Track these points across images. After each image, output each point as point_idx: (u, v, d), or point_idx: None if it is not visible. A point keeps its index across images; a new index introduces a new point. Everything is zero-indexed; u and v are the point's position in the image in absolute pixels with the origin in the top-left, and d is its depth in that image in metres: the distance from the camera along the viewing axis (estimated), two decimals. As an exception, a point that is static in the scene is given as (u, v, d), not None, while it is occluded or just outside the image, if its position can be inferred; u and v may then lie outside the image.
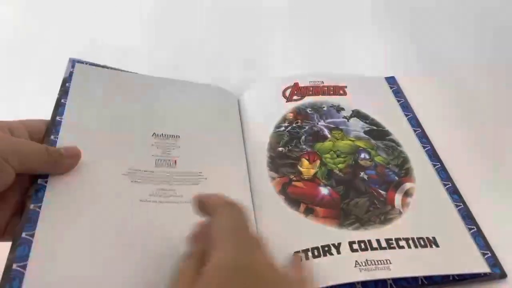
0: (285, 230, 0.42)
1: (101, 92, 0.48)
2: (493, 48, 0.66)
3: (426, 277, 0.40)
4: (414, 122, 0.54)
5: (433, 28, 0.70)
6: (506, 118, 0.56)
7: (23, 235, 0.35)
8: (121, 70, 0.52)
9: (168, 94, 0.51)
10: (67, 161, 0.39)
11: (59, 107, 0.45)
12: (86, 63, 0.50)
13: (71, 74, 0.48)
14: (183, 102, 0.51)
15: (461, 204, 0.46)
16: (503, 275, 0.41)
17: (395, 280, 0.39)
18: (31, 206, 0.36)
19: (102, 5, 0.73)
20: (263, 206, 0.44)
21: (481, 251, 0.41)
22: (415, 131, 0.53)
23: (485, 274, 0.40)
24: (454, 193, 0.47)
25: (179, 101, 0.51)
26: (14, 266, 0.32)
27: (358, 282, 0.39)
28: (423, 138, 0.52)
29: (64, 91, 0.47)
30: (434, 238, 0.41)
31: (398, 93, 0.58)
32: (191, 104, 0.51)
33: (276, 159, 0.48)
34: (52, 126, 0.43)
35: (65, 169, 0.39)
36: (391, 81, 0.60)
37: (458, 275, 0.40)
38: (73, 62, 0.50)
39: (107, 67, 0.51)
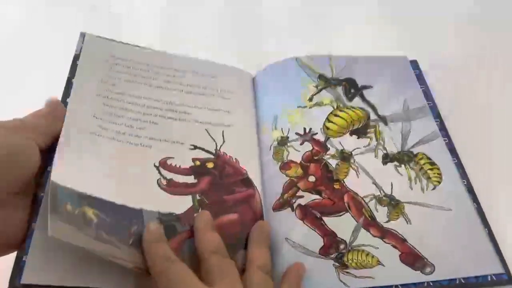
0: None
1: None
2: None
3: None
4: (435, 112, 0.49)
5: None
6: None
7: (32, 225, 0.35)
8: (134, 45, 0.50)
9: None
10: (57, 110, 0.40)
11: (69, 89, 0.43)
12: (99, 37, 0.48)
13: (81, 50, 0.47)
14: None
15: (475, 204, 0.42)
16: (510, 281, 0.39)
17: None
18: (41, 194, 0.37)
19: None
20: None
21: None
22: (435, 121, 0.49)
23: (491, 278, 0.39)
24: (468, 192, 0.43)
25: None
26: (24, 258, 0.34)
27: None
28: (441, 130, 0.48)
29: (74, 69, 0.45)
30: None
31: (419, 79, 0.52)
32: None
33: None
34: None
35: (60, 117, 0.40)
36: (413, 65, 0.54)
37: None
38: (84, 36, 0.48)
39: (121, 42, 0.50)
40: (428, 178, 0.45)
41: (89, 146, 0.42)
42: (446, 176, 0.45)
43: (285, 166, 0.46)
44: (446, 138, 0.47)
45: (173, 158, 0.44)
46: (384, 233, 0.41)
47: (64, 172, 0.38)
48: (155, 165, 0.44)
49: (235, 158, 0.46)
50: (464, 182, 0.44)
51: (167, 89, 0.49)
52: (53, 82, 0.45)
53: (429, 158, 0.46)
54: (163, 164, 0.44)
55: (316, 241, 0.41)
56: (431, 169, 0.45)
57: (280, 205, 0.43)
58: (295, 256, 0.40)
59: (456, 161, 0.45)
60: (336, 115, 0.49)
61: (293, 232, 0.42)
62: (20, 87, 0.52)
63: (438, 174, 0.45)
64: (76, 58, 0.46)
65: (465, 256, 0.40)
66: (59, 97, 0.43)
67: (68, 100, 0.42)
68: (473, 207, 0.42)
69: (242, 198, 0.44)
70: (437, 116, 0.49)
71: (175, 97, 0.49)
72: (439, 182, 0.44)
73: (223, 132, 0.48)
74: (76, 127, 0.42)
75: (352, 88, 0.52)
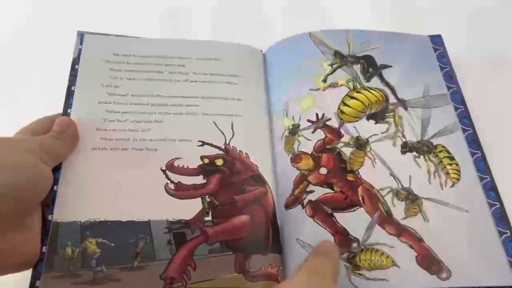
0: None
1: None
2: None
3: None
4: (458, 98, 0.45)
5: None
6: None
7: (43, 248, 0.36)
8: (135, 37, 0.49)
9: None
10: (69, 130, 0.40)
11: (70, 97, 0.43)
12: (97, 34, 0.47)
13: (79, 52, 0.46)
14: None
15: (497, 203, 0.40)
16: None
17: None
18: (49, 217, 0.38)
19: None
20: None
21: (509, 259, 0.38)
22: (456, 108, 0.45)
23: None
24: (490, 189, 0.41)
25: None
26: (37, 284, 0.36)
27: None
28: (465, 118, 0.44)
29: (74, 76, 0.44)
30: None
31: (443, 58, 0.47)
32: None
33: None
34: None
35: (73, 138, 0.41)
36: (437, 41, 0.48)
37: None
38: (81, 36, 0.46)
39: (121, 36, 0.48)
40: (447, 173, 0.42)
41: (92, 164, 0.42)
42: (464, 174, 0.42)
43: (296, 158, 0.44)
44: (470, 128, 0.43)
45: (181, 158, 0.43)
46: (401, 231, 0.40)
47: (66, 205, 0.39)
48: (161, 169, 0.43)
49: (246, 153, 0.44)
50: (488, 178, 0.41)
51: (171, 82, 0.47)
52: (53, 83, 0.44)
53: (448, 152, 0.43)
54: (170, 166, 0.43)
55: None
56: (450, 164, 0.42)
57: (291, 202, 0.42)
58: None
59: (479, 154, 0.42)
60: (352, 97, 0.46)
61: (303, 231, 0.40)
62: (20, 88, 0.52)
63: (457, 170, 0.42)
64: (74, 62, 0.45)
65: (478, 263, 0.38)
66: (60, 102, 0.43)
67: (69, 111, 0.42)
68: (489, 210, 0.40)
69: (253, 197, 0.43)
70: (461, 101, 0.45)
71: (180, 90, 0.47)
72: (458, 180, 0.41)
73: (232, 123, 0.45)
74: (79, 144, 0.42)
75: (371, 67, 0.48)
